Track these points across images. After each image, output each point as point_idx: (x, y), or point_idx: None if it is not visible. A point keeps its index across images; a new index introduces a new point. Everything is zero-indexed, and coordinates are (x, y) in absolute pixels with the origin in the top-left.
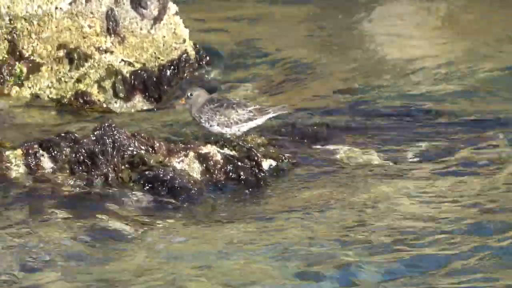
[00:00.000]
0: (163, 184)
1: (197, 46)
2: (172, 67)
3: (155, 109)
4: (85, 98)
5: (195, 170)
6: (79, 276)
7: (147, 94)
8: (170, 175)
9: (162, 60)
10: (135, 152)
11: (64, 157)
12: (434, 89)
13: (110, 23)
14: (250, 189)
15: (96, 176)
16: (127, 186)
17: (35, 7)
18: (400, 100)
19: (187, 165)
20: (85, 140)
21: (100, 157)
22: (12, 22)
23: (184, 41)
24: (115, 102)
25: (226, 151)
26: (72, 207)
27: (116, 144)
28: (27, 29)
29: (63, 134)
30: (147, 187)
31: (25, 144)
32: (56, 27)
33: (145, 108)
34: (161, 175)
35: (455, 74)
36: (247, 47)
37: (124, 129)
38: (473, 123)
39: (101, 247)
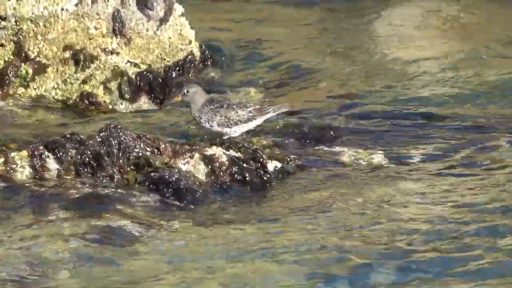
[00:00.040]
0: (168, 185)
1: (203, 47)
2: (177, 68)
3: (161, 110)
4: (90, 100)
5: (201, 171)
6: (87, 277)
7: (152, 95)
8: (176, 176)
9: (168, 61)
10: (140, 154)
11: (69, 158)
12: (438, 91)
13: (116, 24)
14: (255, 191)
15: (101, 178)
16: (133, 187)
17: (41, 9)
18: (405, 102)
19: (193, 166)
20: (90, 142)
21: (106, 158)
22: (18, 23)
23: (190, 42)
24: (121, 104)
25: (232, 152)
26: (78, 209)
27: (121, 146)
28: (33, 30)
29: (68, 136)
30: (153, 189)
31: (31, 146)
32: (62, 28)
33: (150, 109)
34: (167, 177)
35: (459, 76)
36: (251, 49)
37: (130, 130)
38: (477, 125)
39: (107, 248)
